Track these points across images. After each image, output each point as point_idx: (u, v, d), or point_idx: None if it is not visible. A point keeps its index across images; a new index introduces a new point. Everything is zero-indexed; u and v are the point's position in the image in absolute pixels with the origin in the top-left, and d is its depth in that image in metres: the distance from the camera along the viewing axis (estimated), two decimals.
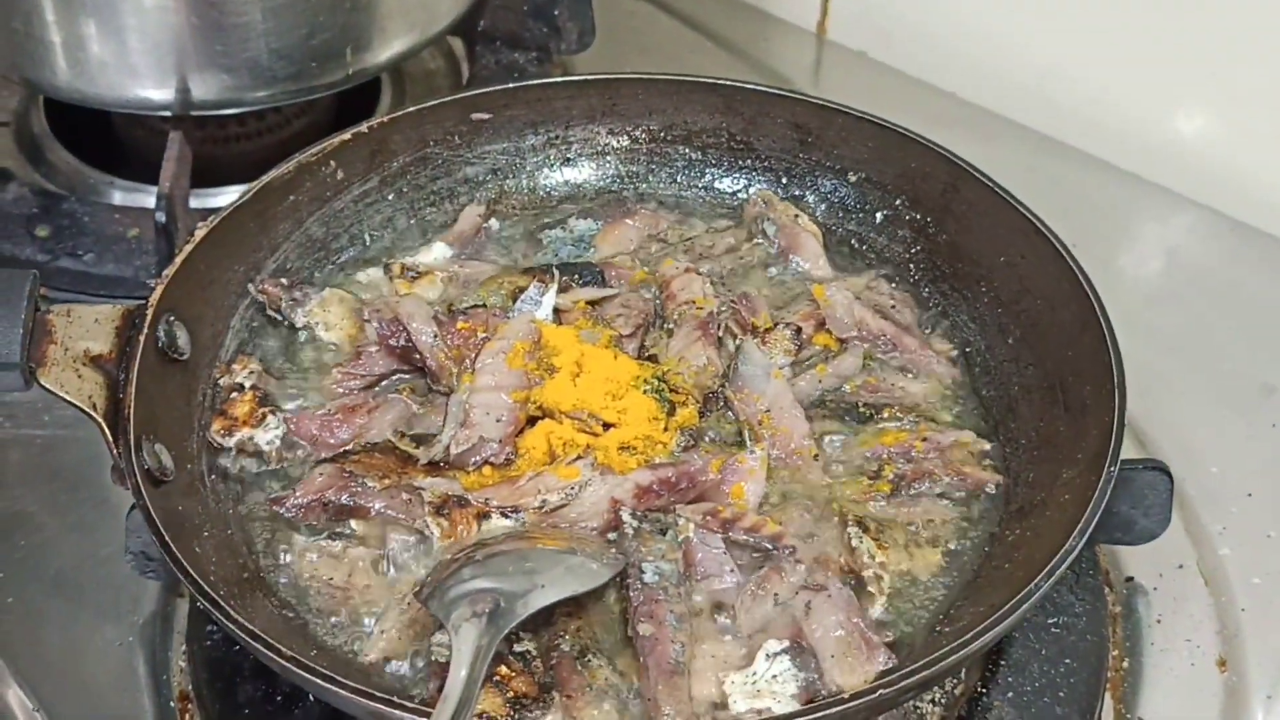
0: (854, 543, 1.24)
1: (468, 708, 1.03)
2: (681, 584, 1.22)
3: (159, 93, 1.66)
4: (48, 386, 1.23)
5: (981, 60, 2.03)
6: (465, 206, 1.60)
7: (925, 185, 1.52)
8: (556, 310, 1.44)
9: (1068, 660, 1.30)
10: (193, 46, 1.62)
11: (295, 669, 1.07)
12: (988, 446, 1.35)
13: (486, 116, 1.59)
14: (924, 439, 1.34)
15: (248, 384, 1.37)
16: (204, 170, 1.72)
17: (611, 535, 1.26)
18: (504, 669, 1.13)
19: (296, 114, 1.90)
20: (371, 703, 1.05)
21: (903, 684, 1.08)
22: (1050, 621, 1.32)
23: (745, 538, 1.24)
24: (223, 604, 1.11)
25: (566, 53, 1.99)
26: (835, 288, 1.47)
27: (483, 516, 1.26)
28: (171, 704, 1.31)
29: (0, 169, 1.81)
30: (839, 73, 2.14)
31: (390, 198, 1.57)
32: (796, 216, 1.56)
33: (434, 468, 1.31)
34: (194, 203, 1.69)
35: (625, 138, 1.64)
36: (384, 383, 1.41)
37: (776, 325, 1.43)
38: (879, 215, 1.56)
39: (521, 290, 1.45)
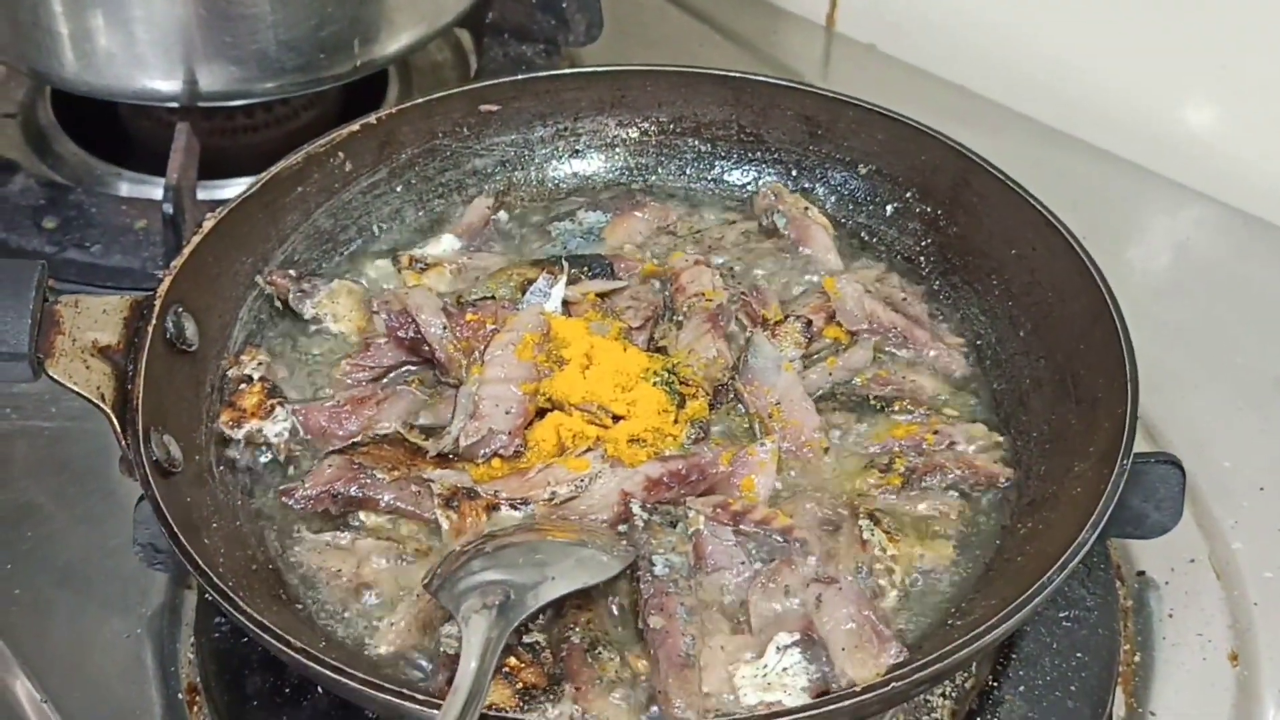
0: (865, 535, 1.23)
1: (478, 699, 1.02)
2: (692, 576, 1.21)
3: (166, 84, 1.65)
4: (56, 377, 1.22)
5: (990, 53, 2.02)
6: (474, 198, 1.59)
7: (936, 178, 1.52)
8: (566, 302, 1.44)
9: (1079, 654, 1.29)
10: (201, 37, 1.62)
11: (306, 661, 1.07)
12: (999, 439, 1.35)
13: (495, 108, 1.59)
14: (935, 432, 1.34)
15: (256, 375, 1.37)
16: (211, 162, 1.72)
17: (621, 527, 1.25)
18: (514, 660, 1.13)
19: (304, 106, 1.90)
20: (382, 695, 1.05)
21: (915, 677, 1.08)
22: (1062, 615, 1.31)
23: (756, 530, 1.24)
24: (232, 595, 1.11)
25: (574, 45, 1.99)
26: (846, 280, 1.46)
27: (492, 508, 1.26)
28: (179, 696, 1.31)
29: (7, 161, 1.81)
30: (848, 66, 2.13)
31: (399, 189, 1.57)
32: (806, 209, 1.55)
33: (443, 459, 1.31)
34: (201, 195, 1.69)
35: (634, 130, 1.64)
36: (392, 374, 1.41)
37: (787, 318, 1.43)
38: (889, 208, 1.56)
39: (530, 282, 1.45)
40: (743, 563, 1.22)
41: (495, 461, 1.30)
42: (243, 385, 1.36)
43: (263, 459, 1.34)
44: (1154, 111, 1.91)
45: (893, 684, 1.07)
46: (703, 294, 1.44)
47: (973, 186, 1.48)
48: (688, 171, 1.64)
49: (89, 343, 1.25)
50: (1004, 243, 1.45)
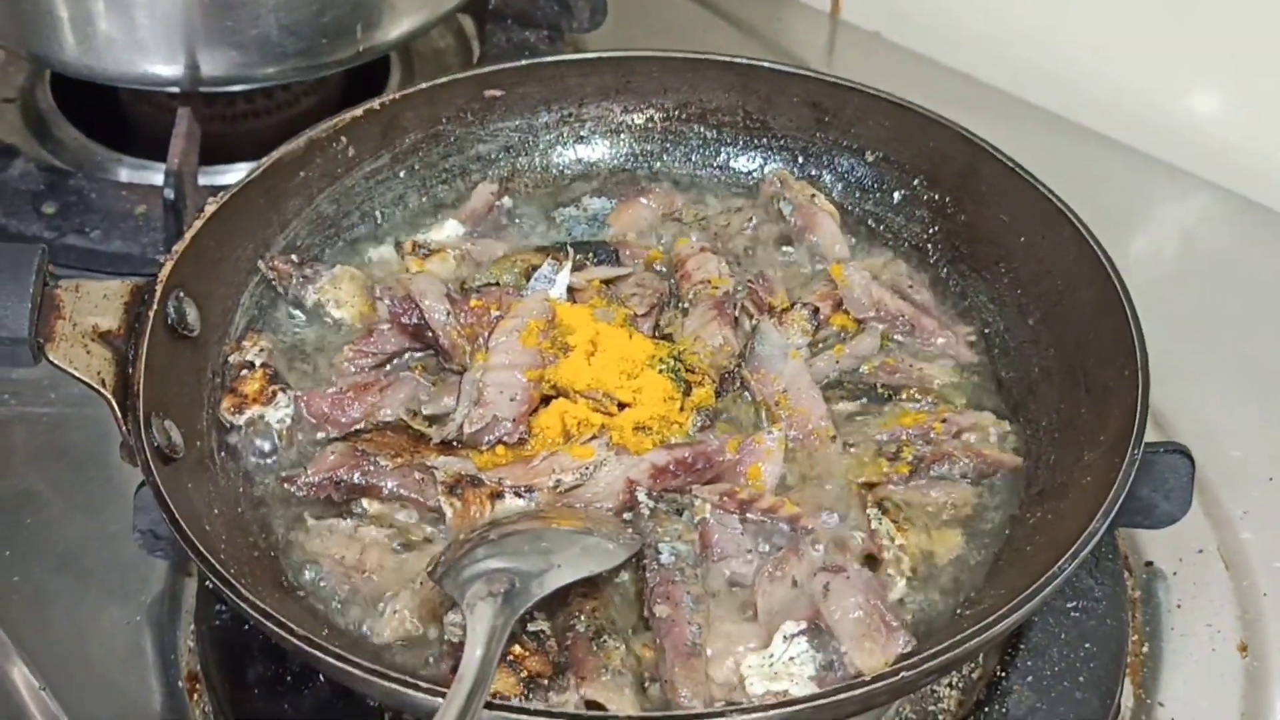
0: (874, 524, 1.23)
1: (483, 688, 1.01)
2: (698, 565, 1.20)
3: (168, 68, 1.64)
4: (56, 362, 1.21)
5: (995, 41, 2.01)
6: (478, 184, 1.58)
7: (944, 165, 1.51)
8: (571, 289, 1.43)
9: (1087, 645, 1.28)
10: (202, 22, 1.61)
11: (308, 649, 1.06)
12: (1008, 428, 1.34)
13: (500, 93, 1.58)
14: (943, 420, 1.33)
15: (258, 361, 1.35)
16: (212, 148, 1.71)
17: (627, 515, 1.25)
18: (518, 649, 1.12)
19: (305, 92, 1.89)
20: (386, 683, 1.04)
21: (924, 667, 1.07)
22: (1070, 606, 1.30)
23: (762, 519, 1.23)
24: (233, 582, 1.10)
25: (578, 31, 1.98)
26: (853, 268, 1.45)
27: (496, 496, 1.25)
28: (180, 684, 1.30)
29: (7, 145, 1.80)
30: (853, 53, 2.12)
31: (402, 175, 1.56)
32: (813, 196, 1.54)
33: (447, 447, 1.30)
34: (202, 180, 1.68)
35: (640, 116, 1.63)
36: (395, 361, 1.40)
37: (794, 305, 1.42)
38: (897, 195, 1.55)
39: (535, 268, 1.44)
40: (749, 551, 1.21)
41: (499, 449, 1.29)
42: (244, 371, 1.35)
43: (264, 445, 1.32)
44: (1161, 99, 1.90)
45: (901, 674, 1.06)
46: (709, 281, 1.43)
47: (981, 174, 1.47)
48: (693, 158, 1.63)
49: (89, 328, 1.24)
50: (1012, 230, 1.44)
